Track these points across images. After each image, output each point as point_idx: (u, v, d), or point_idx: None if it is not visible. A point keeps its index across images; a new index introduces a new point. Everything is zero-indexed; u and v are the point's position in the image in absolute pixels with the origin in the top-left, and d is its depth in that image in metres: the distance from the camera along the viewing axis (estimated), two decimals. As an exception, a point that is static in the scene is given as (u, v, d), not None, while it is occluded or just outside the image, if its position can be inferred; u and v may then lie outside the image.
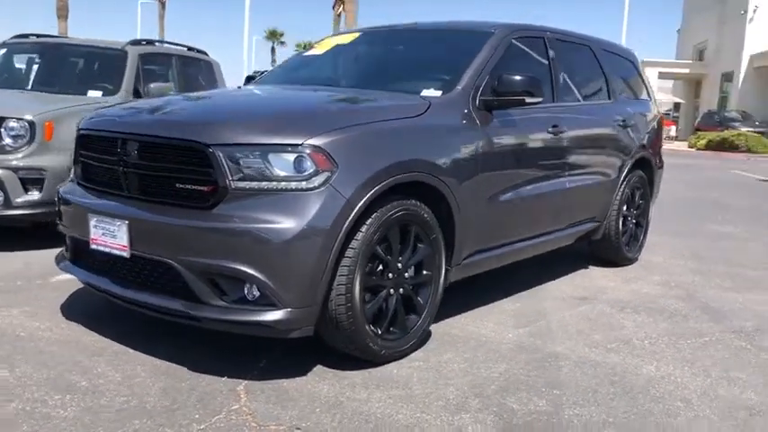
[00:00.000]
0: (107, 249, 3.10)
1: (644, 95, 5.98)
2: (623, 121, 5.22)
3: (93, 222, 3.14)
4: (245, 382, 2.95)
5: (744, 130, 27.42)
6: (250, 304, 2.85)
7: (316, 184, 2.83)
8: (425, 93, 3.69)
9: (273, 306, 2.82)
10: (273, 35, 65.60)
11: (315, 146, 2.85)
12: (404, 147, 3.22)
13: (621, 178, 5.19)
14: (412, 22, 4.72)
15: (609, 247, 5.31)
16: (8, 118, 5.00)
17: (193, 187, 2.92)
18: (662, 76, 41.19)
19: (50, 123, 5.06)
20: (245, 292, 2.85)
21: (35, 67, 6.78)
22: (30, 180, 5.00)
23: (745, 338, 3.82)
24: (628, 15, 34.64)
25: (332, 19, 31.30)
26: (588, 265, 5.43)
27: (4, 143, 4.97)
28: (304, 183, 2.82)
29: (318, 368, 3.12)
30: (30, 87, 6.30)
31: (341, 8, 30.10)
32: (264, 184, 2.83)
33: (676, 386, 3.12)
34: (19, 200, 4.96)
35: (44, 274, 4.46)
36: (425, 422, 2.66)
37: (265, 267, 2.78)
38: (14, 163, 4.95)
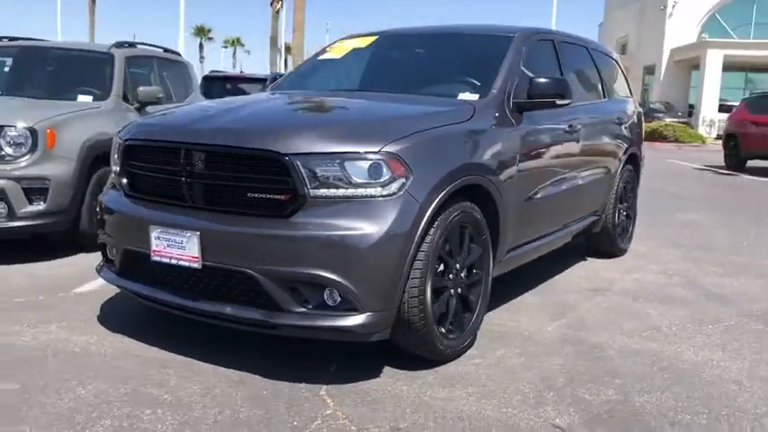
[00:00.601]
0: (173, 261, 3.07)
1: (626, 92, 6.26)
2: (618, 118, 5.47)
3: (155, 234, 3.10)
4: (324, 386, 2.99)
5: (668, 120, 28.71)
6: (330, 309, 2.90)
7: (393, 191, 2.89)
8: (462, 96, 3.79)
9: (355, 311, 2.87)
10: (201, 31, 64.28)
11: (391, 153, 2.92)
12: (462, 151, 3.33)
13: (618, 173, 5.44)
14: (426, 25, 4.81)
15: (606, 239, 5.56)
16: (7, 126, 4.81)
17: (269, 196, 2.94)
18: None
19: (52, 131, 4.90)
20: (326, 297, 2.90)
21: (6, 70, 6.51)
22: (34, 190, 4.84)
23: (761, 322, 4.10)
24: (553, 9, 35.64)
25: (270, 15, 30.89)
26: (586, 257, 5.66)
27: (3, 153, 4.79)
28: (382, 189, 2.88)
29: (387, 369, 3.19)
30: (3, 93, 6.02)
31: (279, 4, 29.83)
32: (342, 192, 2.87)
33: (721, 370, 3.34)
34: (23, 211, 4.80)
35: (61, 287, 4.35)
36: (514, 417, 2.78)
37: (349, 273, 2.83)
38: (17, 173, 4.78)
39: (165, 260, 3.10)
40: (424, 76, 4.27)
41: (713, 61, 32.89)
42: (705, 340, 3.76)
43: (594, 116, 5.03)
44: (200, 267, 3.01)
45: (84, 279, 4.52)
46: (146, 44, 7.12)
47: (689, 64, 36.17)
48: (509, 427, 2.68)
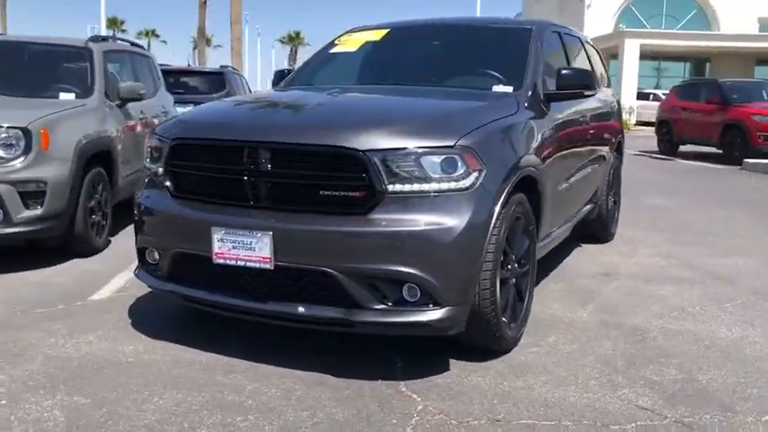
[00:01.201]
0: (239, 263, 2.98)
1: (606, 82, 6.46)
2: (611, 106, 5.66)
3: (218, 236, 3.00)
4: (402, 382, 2.98)
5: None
6: (410, 305, 2.88)
7: (468, 184, 2.90)
8: (497, 89, 3.83)
9: (436, 305, 2.87)
10: (114, 23, 61.92)
11: (465, 146, 2.93)
12: (520, 142, 3.37)
13: (611, 160, 5.62)
14: (437, 17, 4.82)
15: (600, 224, 5.74)
16: None
17: (344, 193, 2.89)
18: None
19: (46, 131, 4.63)
20: (404, 293, 2.88)
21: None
22: (30, 194, 4.56)
23: (771, 298, 4.35)
24: None
25: (197, 5, 30.05)
26: (580, 243, 5.82)
27: (-5, 155, 4.50)
28: (457, 183, 2.88)
29: (455, 362, 3.20)
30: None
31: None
32: (418, 187, 2.86)
33: (761, 346, 3.52)
34: (20, 216, 4.52)
35: (75, 295, 4.15)
36: (599, 401, 2.84)
37: (431, 268, 2.82)
38: (11, 176, 4.49)
39: (231, 262, 3.00)
40: (451, 69, 4.28)
41: (631, 50, 34.22)
42: (731, 318, 3.94)
43: (596, 106, 5.17)
44: (272, 268, 2.93)
45: (93, 286, 4.34)
46: (119, 38, 6.83)
47: (607, 53, 37.45)
48: (601, 412, 2.75)
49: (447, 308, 2.88)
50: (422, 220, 2.83)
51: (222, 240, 3.00)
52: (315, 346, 3.34)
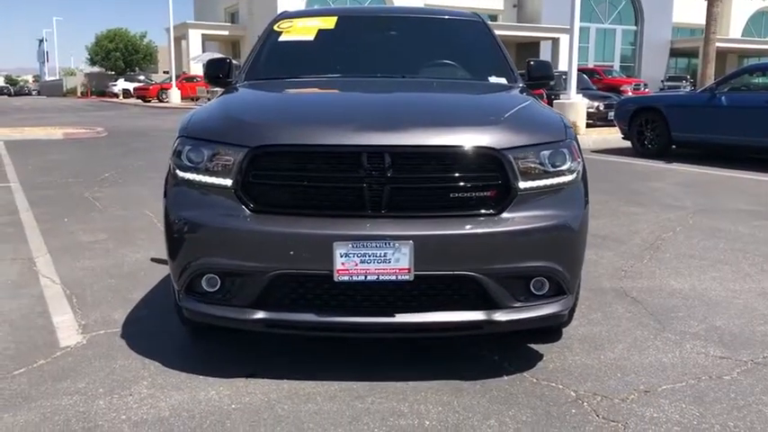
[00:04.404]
0: (371, 277, 2.74)
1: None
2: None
3: (342, 251, 2.71)
4: (524, 373, 3.05)
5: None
6: (541, 298, 2.95)
7: (575, 175, 3.04)
8: (492, 80, 3.98)
9: (562, 294, 2.98)
10: None
11: (572, 140, 3.06)
12: None
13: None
14: (374, 5, 4.70)
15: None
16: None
17: (477, 194, 2.83)
18: (206, 38, 42.68)
19: None
20: (532, 287, 2.94)
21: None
22: None
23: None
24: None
25: None
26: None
27: None
28: (569, 176, 3.01)
29: (533, 348, 3.33)
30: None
31: None
32: (543, 183, 2.92)
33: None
34: None
35: (38, 346, 3.32)
36: (678, 357, 3.25)
37: (563, 259, 2.93)
38: None
39: (358, 278, 2.74)
40: (434, 60, 4.26)
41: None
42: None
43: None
44: (412, 279, 2.75)
45: (43, 330, 3.51)
46: None
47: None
48: (693, 365, 3.16)
49: (570, 296, 3.01)
50: (552, 215, 2.90)
51: (347, 255, 2.72)
52: (389, 355, 3.21)
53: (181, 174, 2.96)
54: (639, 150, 11.76)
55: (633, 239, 5.59)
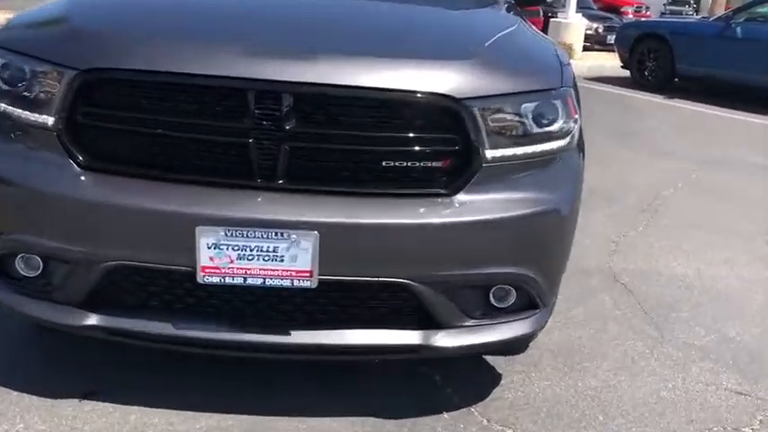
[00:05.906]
0: (252, 281, 1.83)
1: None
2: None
3: (209, 240, 1.79)
4: (470, 408, 2.23)
5: None
6: (502, 314, 2.08)
7: (568, 140, 2.09)
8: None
9: (534, 308, 2.10)
10: None
11: (569, 87, 2.11)
12: None
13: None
14: None
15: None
16: None
17: (422, 164, 1.90)
18: None
19: None
20: (491, 299, 2.06)
21: None
22: None
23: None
24: None
25: None
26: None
27: None
28: (560, 141, 2.06)
29: (488, 367, 2.49)
30: None
31: None
32: (521, 150, 1.99)
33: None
34: None
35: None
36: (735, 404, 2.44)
37: (540, 263, 2.04)
38: None
39: (234, 281, 1.83)
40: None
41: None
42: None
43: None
44: (315, 286, 1.85)
45: None
46: None
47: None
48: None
49: (545, 309, 2.14)
50: (531, 198, 1.99)
51: (218, 247, 1.80)
52: (284, 370, 2.35)
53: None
54: (638, 81, 10.68)
55: (627, 198, 4.69)
